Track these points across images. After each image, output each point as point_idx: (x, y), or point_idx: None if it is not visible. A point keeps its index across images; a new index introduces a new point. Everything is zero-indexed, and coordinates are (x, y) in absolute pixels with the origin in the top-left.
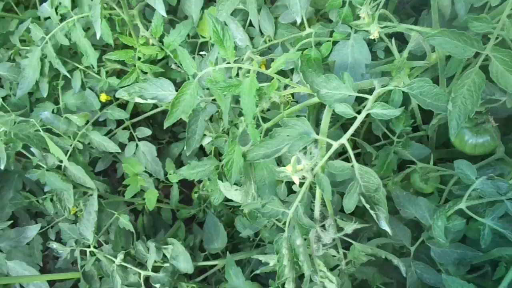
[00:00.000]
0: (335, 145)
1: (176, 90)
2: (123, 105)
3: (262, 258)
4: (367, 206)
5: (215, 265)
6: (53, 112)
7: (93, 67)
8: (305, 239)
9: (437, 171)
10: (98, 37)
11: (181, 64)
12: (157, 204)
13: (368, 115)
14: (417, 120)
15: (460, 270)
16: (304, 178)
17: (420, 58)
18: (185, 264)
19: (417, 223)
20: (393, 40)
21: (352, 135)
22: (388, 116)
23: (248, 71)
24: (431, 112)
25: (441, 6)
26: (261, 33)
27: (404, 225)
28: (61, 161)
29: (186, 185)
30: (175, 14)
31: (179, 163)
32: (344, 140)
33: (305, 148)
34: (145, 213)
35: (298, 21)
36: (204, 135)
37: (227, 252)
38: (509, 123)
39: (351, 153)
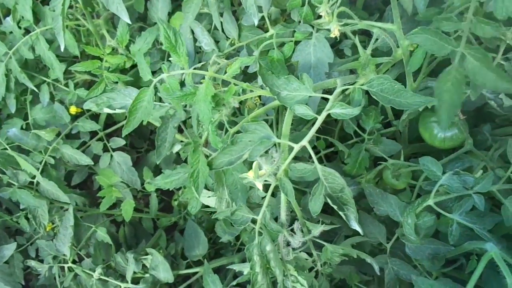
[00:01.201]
0: (296, 147)
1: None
2: (96, 116)
3: (236, 267)
4: (335, 207)
5: (197, 272)
6: (22, 128)
7: (60, 80)
8: (275, 244)
9: (408, 166)
10: (62, 49)
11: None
12: (137, 213)
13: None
14: (389, 116)
15: (435, 264)
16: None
17: (386, 54)
18: (165, 273)
19: (392, 219)
20: (356, 37)
21: (327, 133)
22: (348, 115)
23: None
24: None
25: (402, 2)
26: (227, 37)
27: (381, 221)
28: (33, 178)
29: (166, 193)
30: (145, 20)
31: (158, 171)
32: (305, 142)
33: (267, 152)
34: (126, 224)
35: (256, 23)
36: (181, 141)
37: (212, 257)
38: (478, 115)
39: (312, 154)
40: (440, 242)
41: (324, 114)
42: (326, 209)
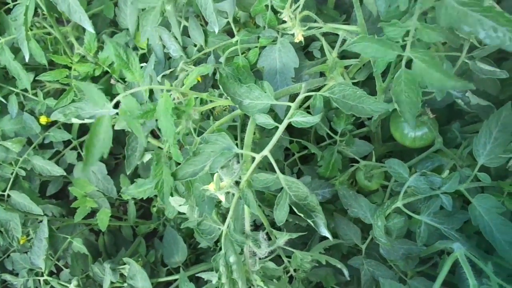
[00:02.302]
0: (258, 157)
1: (115, 106)
2: (70, 125)
3: (205, 276)
4: (302, 215)
5: (177, 279)
6: None
7: (28, 90)
8: (241, 254)
9: (380, 167)
10: (27, 60)
11: (121, 79)
12: (116, 221)
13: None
14: (362, 116)
15: (409, 264)
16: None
17: (356, 55)
18: (143, 283)
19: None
20: (323, 40)
21: (303, 135)
22: (309, 123)
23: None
24: None
25: (367, 3)
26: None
27: (358, 221)
28: (3, 190)
29: (145, 199)
30: (117, 25)
31: (138, 177)
32: (266, 152)
33: (227, 163)
34: (105, 232)
35: (216, 31)
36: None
37: (193, 263)
38: (448, 113)
39: (274, 164)
40: (412, 243)
41: (285, 123)
42: None
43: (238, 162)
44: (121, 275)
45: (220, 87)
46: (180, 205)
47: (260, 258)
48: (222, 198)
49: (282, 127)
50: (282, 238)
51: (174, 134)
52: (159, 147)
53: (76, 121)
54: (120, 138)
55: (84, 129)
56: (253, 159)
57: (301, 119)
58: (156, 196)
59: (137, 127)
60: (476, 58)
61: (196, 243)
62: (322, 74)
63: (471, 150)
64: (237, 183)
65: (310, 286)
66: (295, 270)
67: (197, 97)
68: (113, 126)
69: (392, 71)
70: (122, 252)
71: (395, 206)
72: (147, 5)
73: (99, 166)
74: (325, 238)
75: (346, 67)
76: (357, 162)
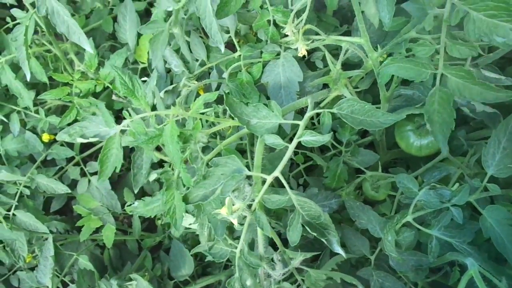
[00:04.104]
0: (269, 179)
1: (117, 122)
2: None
3: None
4: (315, 234)
5: None
6: None
7: (30, 108)
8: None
9: (387, 178)
10: (28, 79)
11: (122, 95)
12: (121, 235)
13: None
14: None
15: (420, 275)
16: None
17: (358, 64)
18: None
19: None
20: (326, 53)
21: (305, 147)
22: (318, 143)
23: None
24: None
25: (368, 15)
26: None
27: (365, 231)
28: (8, 210)
29: None
30: (116, 39)
31: (141, 190)
32: (277, 173)
33: (238, 187)
34: (111, 246)
35: (222, 50)
36: (161, 160)
37: (200, 275)
38: None
39: (286, 185)
40: (422, 254)
41: (295, 142)
42: None
43: (250, 184)
44: None
45: (227, 108)
46: (190, 224)
47: (274, 280)
48: (234, 222)
49: (291, 147)
50: (297, 259)
51: (181, 160)
52: (166, 171)
53: (81, 140)
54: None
55: (86, 145)
56: (264, 180)
57: (310, 139)
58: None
59: (146, 146)
60: (481, 65)
61: (202, 255)
62: (324, 86)
63: (478, 158)
64: (249, 205)
65: None
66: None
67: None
68: None
69: (396, 80)
70: (128, 266)
71: (405, 221)
72: (155, 30)
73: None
74: (334, 254)
75: (349, 78)
76: (363, 172)
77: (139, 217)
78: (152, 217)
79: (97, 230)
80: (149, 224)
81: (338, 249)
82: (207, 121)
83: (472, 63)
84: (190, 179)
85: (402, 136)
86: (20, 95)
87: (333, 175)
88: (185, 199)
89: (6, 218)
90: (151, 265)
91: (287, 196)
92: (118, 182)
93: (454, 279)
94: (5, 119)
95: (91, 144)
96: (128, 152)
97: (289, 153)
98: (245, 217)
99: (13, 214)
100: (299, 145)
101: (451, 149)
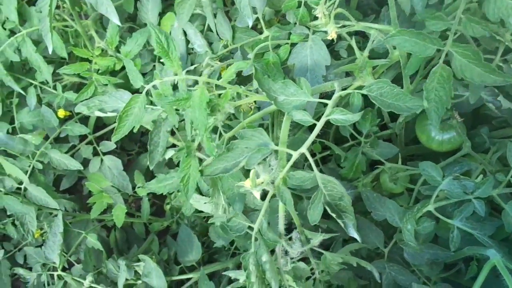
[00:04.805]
0: (295, 155)
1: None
2: (85, 119)
3: (232, 274)
4: (334, 215)
5: (191, 278)
6: (8, 132)
7: (48, 83)
8: (272, 253)
9: (406, 170)
10: (50, 52)
11: (142, 73)
12: (129, 218)
13: None
14: (385, 118)
15: (434, 269)
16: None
17: (383, 55)
18: (158, 280)
19: (388, 223)
20: (353, 39)
21: (322, 136)
22: (348, 121)
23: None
24: None
25: (400, 2)
26: (220, 38)
27: (378, 224)
28: (20, 183)
29: (158, 197)
30: (134, 20)
31: (150, 174)
32: (304, 149)
33: (265, 159)
34: (117, 228)
35: (250, 25)
36: (173, 145)
37: (206, 262)
38: (474, 117)
39: (311, 162)
40: (439, 248)
41: (323, 120)
42: (323, 214)
43: (275, 158)
44: (135, 272)
45: (255, 82)
46: (204, 203)
47: (291, 258)
48: (257, 195)
49: (320, 124)
50: (316, 238)
51: (206, 127)
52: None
53: (99, 114)
54: (133, 135)
55: (99, 126)
56: (288, 156)
57: (340, 117)
58: (170, 193)
59: (170, 109)
60: (510, 61)
61: (209, 242)
62: (347, 74)
63: (501, 156)
64: (272, 181)
65: None
66: (320, 272)
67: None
68: None
69: (421, 73)
70: (135, 249)
71: (426, 210)
72: None
73: (115, 161)
74: (346, 240)
75: (373, 68)
76: (380, 164)
77: (148, 200)
78: (160, 202)
79: (105, 210)
80: (157, 209)
81: (353, 233)
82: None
83: (502, 58)
84: (213, 148)
85: (424, 130)
86: (40, 68)
87: (350, 166)
88: (203, 172)
89: (17, 192)
90: (157, 249)
91: (312, 173)
92: (128, 166)
93: (470, 274)
94: (22, 92)
95: (104, 125)
96: (139, 137)
97: (316, 131)
98: (267, 192)
99: (25, 188)
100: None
101: (473, 145)
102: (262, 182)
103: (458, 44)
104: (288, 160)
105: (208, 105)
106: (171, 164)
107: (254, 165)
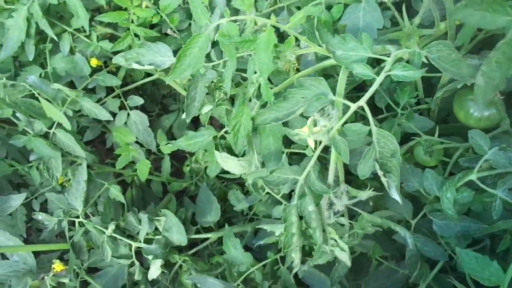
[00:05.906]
0: (353, 107)
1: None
2: (112, 72)
3: (268, 227)
4: (380, 173)
5: (207, 239)
6: (40, 76)
7: (84, 30)
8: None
9: (441, 143)
10: None
11: (177, 30)
12: (148, 176)
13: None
14: (419, 93)
15: (462, 243)
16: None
17: (426, 28)
18: (178, 236)
19: (414, 197)
20: (404, 7)
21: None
22: (410, 78)
23: (265, 26)
24: (432, 86)
25: None
26: None
27: (406, 197)
28: (49, 128)
29: (176, 159)
30: None
31: (169, 136)
32: (362, 102)
33: (321, 110)
34: (134, 186)
35: None
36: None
37: (221, 226)
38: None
39: (369, 115)
40: (472, 220)
41: (382, 76)
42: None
43: (333, 109)
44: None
45: (316, 33)
46: (238, 161)
47: (334, 213)
48: (311, 143)
49: (379, 79)
50: (365, 193)
51: (270, 70)
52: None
53: (136, 66)
54: (155, 96)
55: (127, 81)
56: (345, 109)
57: (402, 73)
58: (191, 155)
59: (232, 52)
60: None
61: (227, 207)
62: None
63: None
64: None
65: (352, 257)
66: (349, 236)
67: None
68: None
69: (466, 47)
70: (151, 207)
71: (468, 179)
72: None
73: (141, 117)
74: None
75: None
76: (412, 138)
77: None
78: (179, 164)
79: (125, 167)
80: (175, 171)
81: (395, 195)
82: None
83: None
84: (271, 94)
85: (462, 106)
86: (77, 13)
87: None
88: (255, 120)
89: (46, 136)
90: (175, 208)
91: (368, 126)
92: (149, 126)
93: (503, 247)
94: (55, 38)
95: (132, 81)
96: (161, 99)
97: (376, 85)
98: (319, 143)
99: (53, 133)
100: None
101: (510, 124)
102: (319, 131)
103: None
104: (343, 113)
105: (274, 49)
106: (191, 128)
107: (313, 113)
